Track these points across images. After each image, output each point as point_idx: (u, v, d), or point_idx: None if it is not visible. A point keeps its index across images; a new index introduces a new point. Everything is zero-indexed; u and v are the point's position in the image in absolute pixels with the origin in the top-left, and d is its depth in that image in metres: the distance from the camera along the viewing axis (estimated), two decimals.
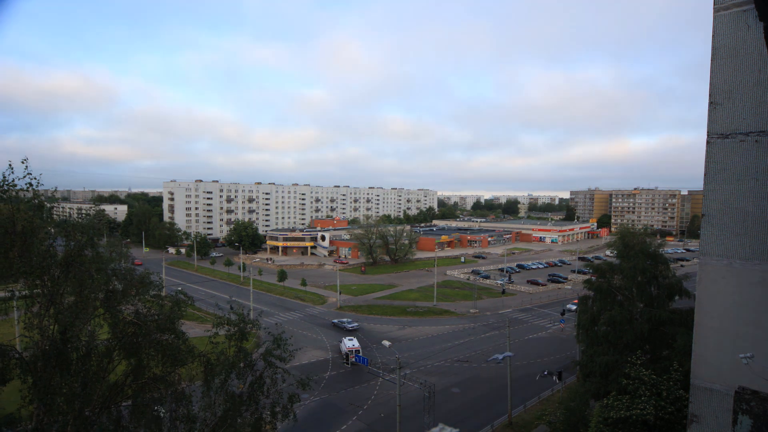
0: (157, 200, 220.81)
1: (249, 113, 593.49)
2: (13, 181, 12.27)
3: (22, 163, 12.52)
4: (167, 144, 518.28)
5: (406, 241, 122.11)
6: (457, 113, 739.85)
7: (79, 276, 12.83)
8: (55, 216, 14.22)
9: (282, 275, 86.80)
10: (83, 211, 14.39)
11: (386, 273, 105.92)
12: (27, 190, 12.67)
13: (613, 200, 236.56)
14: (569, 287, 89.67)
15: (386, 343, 33.47)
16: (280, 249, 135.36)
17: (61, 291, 12.89)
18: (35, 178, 12.59)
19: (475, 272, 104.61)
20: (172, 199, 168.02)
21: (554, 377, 42.47)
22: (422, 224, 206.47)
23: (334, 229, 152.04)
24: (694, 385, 6.91)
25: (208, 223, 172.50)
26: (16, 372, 12.39)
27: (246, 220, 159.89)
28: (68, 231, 13.23)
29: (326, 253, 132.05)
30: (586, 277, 59.61)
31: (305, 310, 73.08)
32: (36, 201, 13.12)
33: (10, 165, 12.30)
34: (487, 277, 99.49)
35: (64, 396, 12.45)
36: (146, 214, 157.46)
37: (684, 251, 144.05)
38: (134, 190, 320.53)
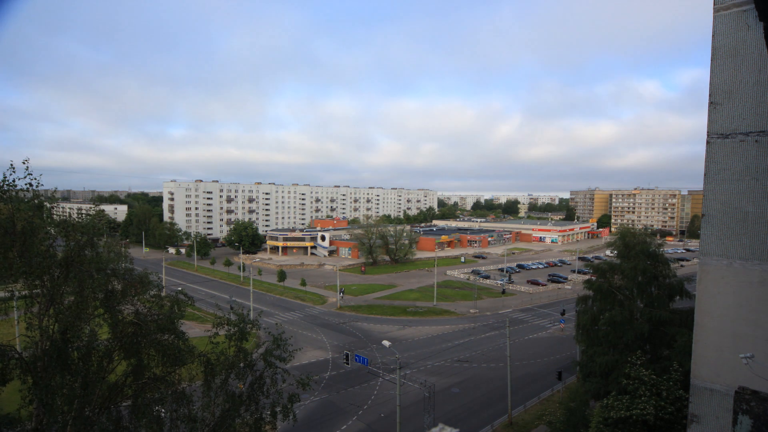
0: (157, 200, 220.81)
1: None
2: (13, 181, 12.24)
3: (23, 163, 12.48)
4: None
5: (406, 241, 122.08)
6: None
7: (79, 276, 12.81)
8: (55, 216, 14.15)
9: (282, 275, 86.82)
10: (83, 211, 14.35)
11: (386, 273, 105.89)
12: (27, 191, 12.63)
13: (613, 200, 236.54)
14: (569, 287, 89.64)
15: (386, 343, 33.40)
16: (280, 249, 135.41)
17: (61, 291, 12.87)
18: (35, 178, 12.55)
19: (475, 272, 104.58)
20: (172, 199, 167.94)
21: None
22: (422, 224, 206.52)
23: (334, 229, 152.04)
24: (694, 385, 6.91)
25: (208, 223, 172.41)
26: (16, 372, 12.37)
27: (246, 220, 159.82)
28: (68, 231, 13.21)
29: (326, 253, 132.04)
30: (586, 277, 59.65)
31: (305, 310, 73.09)
32: (36, 201, 13.08)
33: (11, 165, 12.26)
34: (487, 277, 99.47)
35: (64, 396, 12.44)
36: (146, 214, 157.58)
37: (684, 251, 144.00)
38: (134, 190, 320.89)
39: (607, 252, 68.90)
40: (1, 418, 15.11)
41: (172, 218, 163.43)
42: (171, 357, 14.53)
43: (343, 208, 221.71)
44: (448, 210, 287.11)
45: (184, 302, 15.52)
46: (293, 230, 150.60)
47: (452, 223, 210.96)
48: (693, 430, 6.90)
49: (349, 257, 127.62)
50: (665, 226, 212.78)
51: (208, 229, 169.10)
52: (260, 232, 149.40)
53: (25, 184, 12.40)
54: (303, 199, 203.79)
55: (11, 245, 12.11)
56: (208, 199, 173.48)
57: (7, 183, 12.14)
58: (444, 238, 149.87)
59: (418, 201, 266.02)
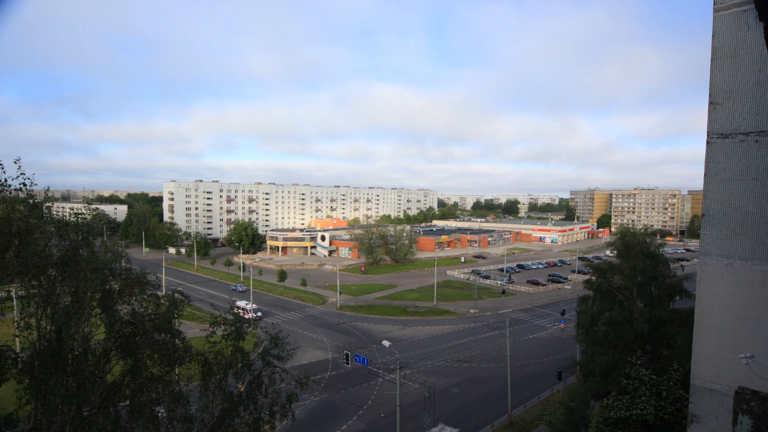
0: (157, 200, 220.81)
1: None
2: (6, 181, 12.11)
3: (15, 162, 12.37)
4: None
5: (406, 241, 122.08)
6: None
7: (75, 276, 12.74)
8: (54, 215, 14.05)
9: (282, 275, 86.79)
10: (74, 211, 14.08)
11: (386, 273, 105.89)
12: (20, 190, 12.48)
13: (613, 200, 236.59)
14: (569, 287, 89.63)
15: (386, 343, 33.40)
16: (280, 249, 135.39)
17: (57, 291, 12.81)
18: (29, 178, 12.41)
19: (475, 272, 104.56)
20: (172, 199, 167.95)
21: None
22: (422, 224, 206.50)
23: (334, 229, 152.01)
24: (694, 385, 6.87)
25: (208, 223, 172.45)
26: (13, 372, 12.33)
27: (246, 220, 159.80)
28: (61, 230, 13.13)
29: (326, 253, 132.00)
30: (586, 277, 59.62)
31: (305, 310, 73.08)
32: (31, 201, 12.98)
33: (0, 165, 12.09)
34: (487, 277, 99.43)
35: (62, 396, 12.40)
36: (146, 214, 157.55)
37: (684, 251, 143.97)
38: (134, 191, 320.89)
39: (607, 252, 69.03)
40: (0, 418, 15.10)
41: (172, 218, 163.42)
42: (168, 357, 14.49)
43: (343, 208, 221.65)
44: (448, 210, 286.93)
45: (181, 302, 15.47)
46: (293, 230, 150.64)
47: (452, 223, 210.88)
48: (693, 430, 6.87)
49: (349, 257, 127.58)
50: (665, 226, 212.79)
51: (208, 229, 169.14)
52: (260, 232, 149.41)
53: (19, 184, 12.26)
54: (303, 199, 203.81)
55: (7, 246, 12.05)
56: (208, 199, 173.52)
57: (0, 183, 12.02)
58: (444, 238, 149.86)
59: (418, 201, 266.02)
